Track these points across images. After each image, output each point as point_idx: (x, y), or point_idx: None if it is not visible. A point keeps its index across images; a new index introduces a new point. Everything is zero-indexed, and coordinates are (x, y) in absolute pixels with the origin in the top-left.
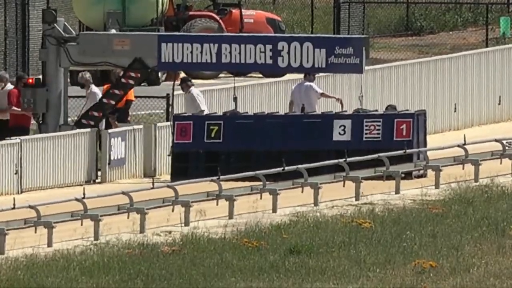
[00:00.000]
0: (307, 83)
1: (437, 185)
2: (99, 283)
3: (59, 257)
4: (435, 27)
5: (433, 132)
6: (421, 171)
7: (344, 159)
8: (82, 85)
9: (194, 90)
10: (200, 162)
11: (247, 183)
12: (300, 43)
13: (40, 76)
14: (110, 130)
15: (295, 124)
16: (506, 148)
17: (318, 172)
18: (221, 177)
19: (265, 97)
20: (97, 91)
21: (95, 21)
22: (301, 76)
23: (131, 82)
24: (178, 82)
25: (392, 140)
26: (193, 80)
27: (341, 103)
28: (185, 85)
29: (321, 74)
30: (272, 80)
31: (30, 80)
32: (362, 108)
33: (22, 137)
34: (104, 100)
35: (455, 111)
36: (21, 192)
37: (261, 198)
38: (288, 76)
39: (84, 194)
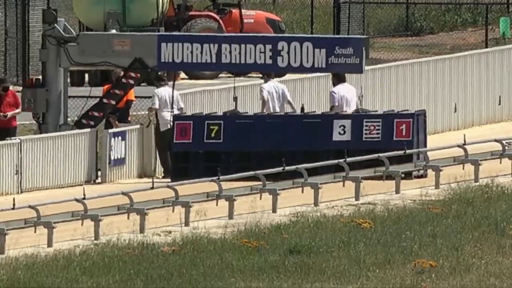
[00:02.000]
0: (282, 87)
1: (437, 185)
2: (99, 283)
3: (59, 257)
4: (434, 27)
5: (433, 132)
6: (421, 171)
7: (344, 159)
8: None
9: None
10: (200, 162)
11: (247, 183)
12: (300, 43)
13: (40, 76)
14: (110, 130)
15: (295, 124)
16: (506, 148)
17: (318, 172)
18: (221, 177)
19: None
20: None
21: (95, 21)
22: (300, 76)
23: (131, 82)
24: (178, 81)
25: (392, 140)
26: (193, 80)
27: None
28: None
29: (321, 74)
30: None
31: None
32: (362, 108)
33: (22, 137)
34: (105, 100)
35: (455, 111)
36: (21, 192)
37: (260, 198)
38: (288, 76)
39: (84, 194)
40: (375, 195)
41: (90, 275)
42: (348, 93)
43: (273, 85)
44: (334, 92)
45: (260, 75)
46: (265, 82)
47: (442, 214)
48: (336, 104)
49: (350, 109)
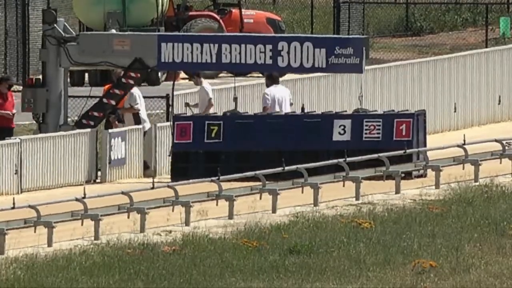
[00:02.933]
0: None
1: (437, 185)
2: (99, 283)
3: (59, 257)
4: (434, 27)
5: (433, 132)
6: (421, 171)
7: (344, 159)
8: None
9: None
10: (200, 162)
11: (247, 183)
12: (300, 43)
13: (40, 76)
14: (110, 130)
15: (295, 124)
16: (506, 148)
17: (318, 172)
18: (221, 177)
19: None
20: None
21: (95, 21)
22: (300, 76)
23: (131, 82)
24: (178, 81)
25: (392, 140)
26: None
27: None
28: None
29: (321, 74)
30: None
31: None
32: (362, 108)
33: (22, 137)
34: (104, 100)
35: (455, 111)
36: (21, 192)
37: (260, 198)
38: (288, 76)
39: (84, 194)
40: (375, 195)
41: (90, 275)
42: (280, 95)
43: (208, 85)
44: (266, 93)
45: (261, 75)
46: (199, 84)
47: (442, 214)
48: (268, 105)
49: (284, 110)
